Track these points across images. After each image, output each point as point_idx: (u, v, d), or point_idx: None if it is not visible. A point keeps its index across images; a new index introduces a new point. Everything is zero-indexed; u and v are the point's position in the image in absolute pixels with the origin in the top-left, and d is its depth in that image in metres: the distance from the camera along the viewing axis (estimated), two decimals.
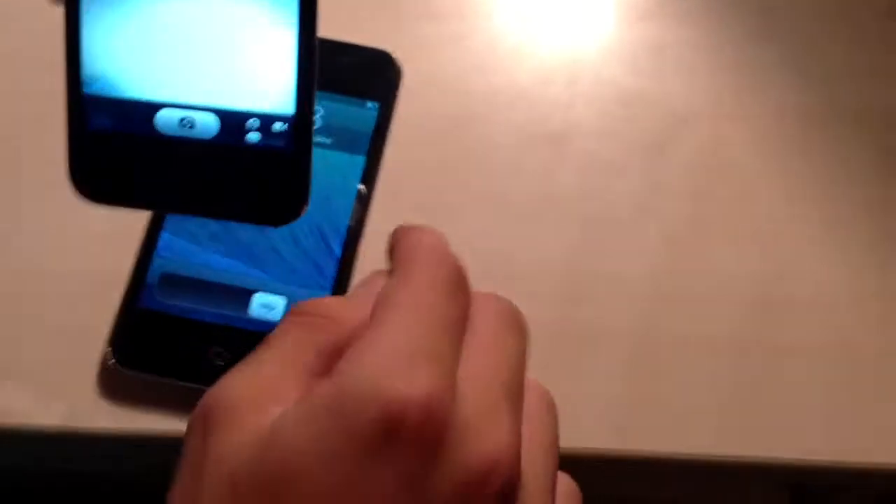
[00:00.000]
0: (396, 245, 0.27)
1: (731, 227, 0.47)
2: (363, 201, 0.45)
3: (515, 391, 0.24)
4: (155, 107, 0.28)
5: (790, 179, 0.49)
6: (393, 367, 0.21)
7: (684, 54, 0.51)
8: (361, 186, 0.45)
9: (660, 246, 0.46)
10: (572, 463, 0.28)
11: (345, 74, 0.47)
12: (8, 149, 0.46)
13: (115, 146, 0.28)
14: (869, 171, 0.49)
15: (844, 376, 0.44)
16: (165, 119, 0.28)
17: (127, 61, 0.28)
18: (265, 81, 0.28)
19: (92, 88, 0.28)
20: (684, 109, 0.50)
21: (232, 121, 0.28)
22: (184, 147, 0.28)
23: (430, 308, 0.24)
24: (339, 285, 0.42)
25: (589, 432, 0.42)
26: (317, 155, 0.29)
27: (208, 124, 0.28)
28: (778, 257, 0.47)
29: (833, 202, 0.48)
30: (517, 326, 0.26)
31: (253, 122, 0.28)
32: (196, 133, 0.28)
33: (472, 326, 0.25)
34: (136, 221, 0.43)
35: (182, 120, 0.28)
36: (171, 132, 0.28)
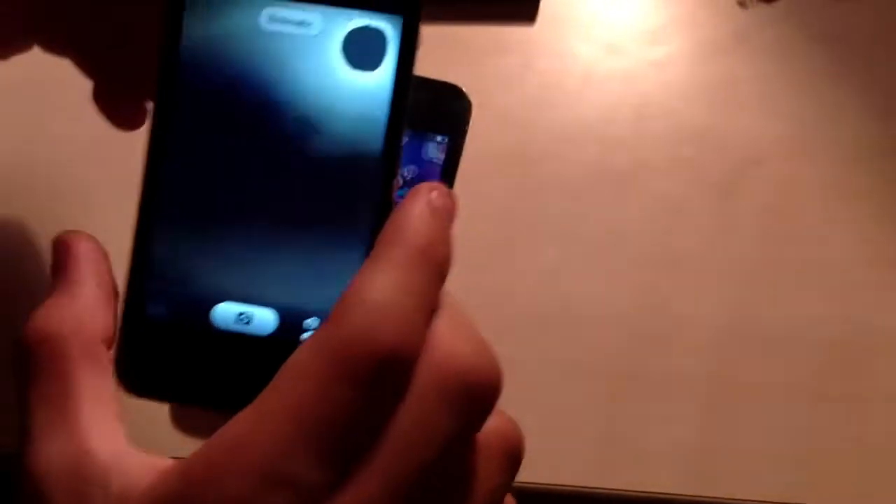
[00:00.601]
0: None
1: (803, 270, 0.46)
2: None
3: None
4: (214, 300, 0.28)
5: (864, 221, 0.47)
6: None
7: (756, 90, 0.50)
8: None
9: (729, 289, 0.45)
10: None
11: (416, 108, 0.47)
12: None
13: (169, 338, 0.28)
14: None
15: None
16: (223, 313, 0.28)
17: (193, 255, 0.28)
18: (326, 282, 0.28)
19: (154, 281, 0.28)
20: (756, 147, 0.49)
21: (291, 318, 0.28)
22: (239, 343, 0.28)
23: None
24: None
25: (664, 478, 0.41)
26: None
27: (266, 320, 0.28)
28: (852, 302, 0.45)
29: None
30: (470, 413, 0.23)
31: (311, 322, 0.28)
32: (252, 329, 0.28)
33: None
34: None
35: (240, 315, 0.28)
36: (227, 327, 0.28)
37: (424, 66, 0.48)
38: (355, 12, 0.28)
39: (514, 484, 0.26)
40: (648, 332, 0.45)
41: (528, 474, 0.43)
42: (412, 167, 0.46)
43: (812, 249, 0.47)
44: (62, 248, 0.27)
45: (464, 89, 0.47)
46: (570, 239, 0.47)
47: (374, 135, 0.28)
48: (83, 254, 0.27)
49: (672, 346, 0.45)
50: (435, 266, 0.24)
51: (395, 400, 0.22)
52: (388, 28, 0.28)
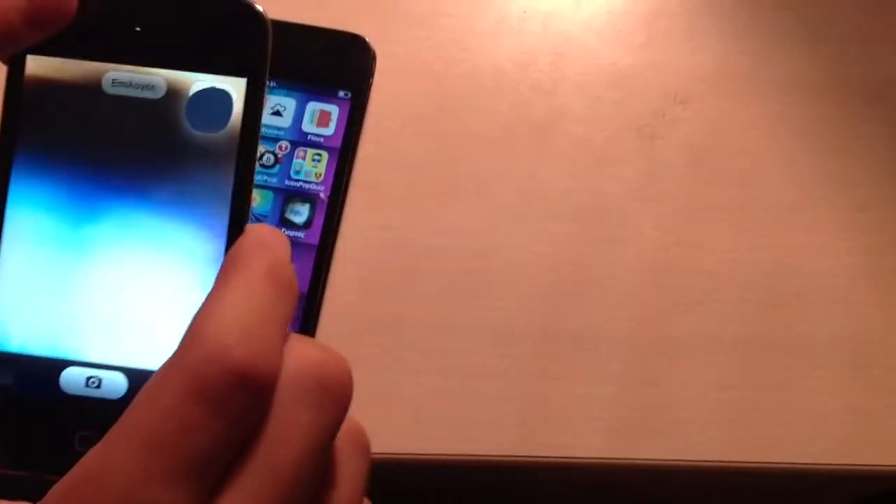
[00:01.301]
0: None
1: (732, 214, 0.44)
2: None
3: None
4: (61, 365, 0.27)
5: (796, 162, 0.45)
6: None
7: (680, 25, 0.47)
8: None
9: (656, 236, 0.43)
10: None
11: (314, 61, 0.43)
12: None
13: (16, 405, 0.28)
14: (883, 147, 0.46)
15: (855, 372, 0.42)
16: (71, 378, 0.27)
17: (34, 316, 0.27)
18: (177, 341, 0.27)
19: None
20: (681, 86, 0.46)
21: (141, 380, 0.26)
22: (89, 407, 0.27)
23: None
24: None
25: (583, 438, 0.41)
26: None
27: (117, 383, 0.27)
28: (786, 245, 0.43)
29: (847, 186, 0.45)
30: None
31: None
32: (103, 393, 0.27)
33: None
34: None
35: (89, 379, 0.27)
36: (76, 392, 0.27)
37: (322, 15, 0.44)
38: (199, 75, 0.28)
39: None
40: (572, 287, 0.43)
41: (445, 446, 0.42)
42: (285, 142, 0.42)
43: (741, 192, 0.45)
44: None
45: (367, 39, 0.43)
46: (489, 194, 0.44)
47: (220, 195, 0.28)
48: None
49: (595, 301, 0.42)
50: (284, 285, 0.24)
51: (255, 416, 0.22)
52: (233, 90, 0.28)
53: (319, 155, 0.42)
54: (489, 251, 0.44)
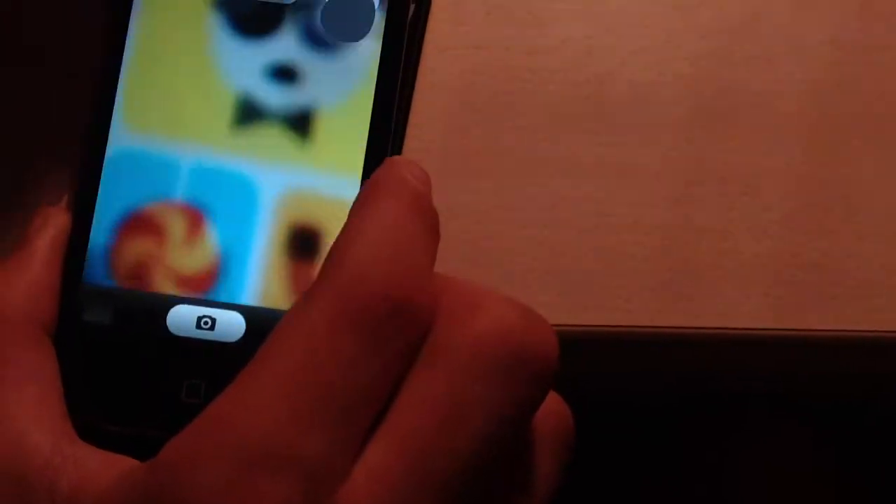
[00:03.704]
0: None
1: None
2: None
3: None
4: (170, 303, 0.25)
5: None
6: None
7: None
8: None
9: None
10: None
11: None
12: None
13: (111, 351, 0.25)
14: None
15: None
16: (180, 317, 0.25)
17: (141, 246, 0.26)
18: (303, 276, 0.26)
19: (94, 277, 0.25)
20: None
21: (261, 322, 0.25)
22: (199, 351, 0.25)
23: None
24: None
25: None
26: None
27: (233, 324, 0.25)
28: None
29: None
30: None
31: None
32: (216, 335, 0.25)
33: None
34: None
35: (201, 319, 0.25)
36: (185, 333, 0.25)
37: None
38: None
39: None
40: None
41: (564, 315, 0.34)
42: None
43: None
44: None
45: None
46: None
47: (361, 113, 0.26)
48: (43, 227, 0.25)
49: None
50: (430, 221, 0.22)
51: (410, 357, 0.20)
52: None
53: None
54: (609, 73, 0.35)
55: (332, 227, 0.25)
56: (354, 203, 0.21)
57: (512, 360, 0.20)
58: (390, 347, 0.19)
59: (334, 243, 0.20)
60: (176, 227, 0.25)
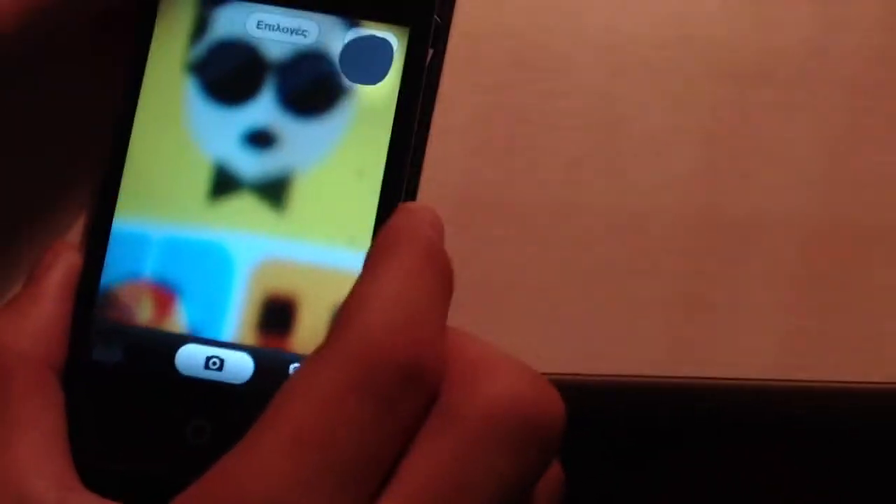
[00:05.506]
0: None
1: None
2: None
3: None
4: (178, 341, 0.25)
5: None
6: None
7: None
8: None
9: None
10: None
11: None
12: None
13: (119, 390, 0.25)
14: None
15: None
16: (188, 357, 0.25)
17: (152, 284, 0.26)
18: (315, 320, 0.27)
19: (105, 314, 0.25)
20: None
21: (270, 364, 0.25)
22: (206, 392, 0.25)
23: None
24: None
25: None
26: None
27: (241, 366, 0.25)
28: None
29: None
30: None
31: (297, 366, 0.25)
32: (224, 377, 0.25)
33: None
34: None
35: (209, 359, 0.25)
36: (192, 373, 0.25)
37: None
38: (356, 22, 0.26)
39: None
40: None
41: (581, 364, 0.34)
42: None
43: None
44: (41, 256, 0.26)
45: None
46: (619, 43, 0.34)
47: (376, 155, 0.26)
48: (54, 264, 0.25)
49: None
50: (443, 274, 0.22)
51: (418, 420, 0.20)
52: (394, 39, 0.27)
53: None
54: (625, 119, 0.35)
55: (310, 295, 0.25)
56: (368, 254, 0.22)
57: (521, 430, 0.20)
58: (399, 412, 0.19)
59: (346, 299, 0.21)
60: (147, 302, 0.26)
